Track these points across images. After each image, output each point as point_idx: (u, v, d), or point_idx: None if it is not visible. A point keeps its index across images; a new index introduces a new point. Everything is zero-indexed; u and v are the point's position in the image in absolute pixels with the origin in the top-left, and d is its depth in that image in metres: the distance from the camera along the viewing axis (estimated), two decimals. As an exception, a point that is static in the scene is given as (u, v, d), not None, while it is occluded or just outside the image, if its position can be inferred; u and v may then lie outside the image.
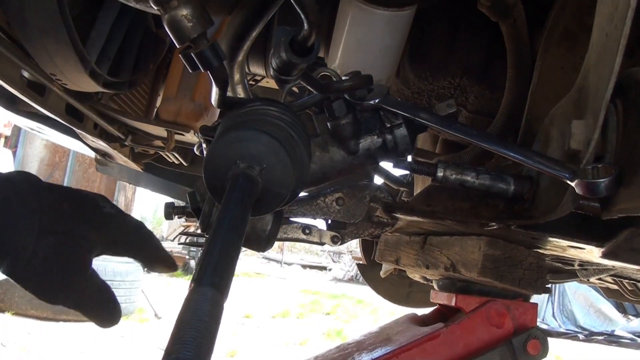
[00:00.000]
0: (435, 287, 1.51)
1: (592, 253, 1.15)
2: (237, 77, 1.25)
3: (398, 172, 2.13)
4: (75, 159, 14.62)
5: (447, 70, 1.52)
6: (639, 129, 0.85)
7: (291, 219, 1.32)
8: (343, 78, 1.06)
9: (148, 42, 1.87)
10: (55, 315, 6.80)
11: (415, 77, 1.54)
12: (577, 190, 0.84)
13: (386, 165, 1.56)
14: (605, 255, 1.10)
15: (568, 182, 0.84)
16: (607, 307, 11.51)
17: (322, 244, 1.32)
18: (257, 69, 1.75)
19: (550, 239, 1.10)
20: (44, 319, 6.72)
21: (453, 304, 1.36)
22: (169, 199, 2.65)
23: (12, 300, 6.77)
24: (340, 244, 1.33)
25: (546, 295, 11.74)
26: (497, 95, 1.50)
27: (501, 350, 1.28)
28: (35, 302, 6.73)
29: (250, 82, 2.25)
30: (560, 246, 1.18)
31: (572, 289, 11.71)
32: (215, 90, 0.83)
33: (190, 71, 0.78)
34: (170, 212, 1.29)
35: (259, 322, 8.83)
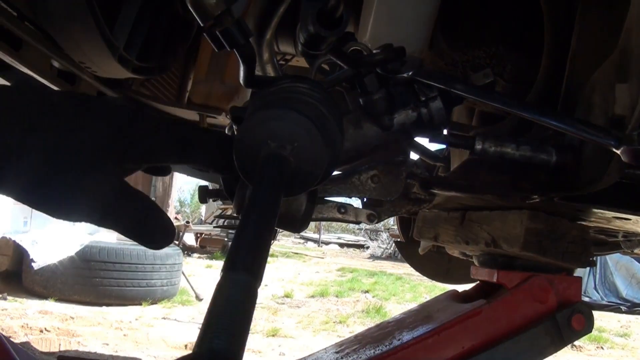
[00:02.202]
0: (476, 262, 1.48)
1: (638, 224, 1.11)
2: (266, 55, 1.22)
3: (434, 147, 2.09)
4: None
5: (481, 39, 1.47)
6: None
7: (326, 198, 1.30)
8: (374, 51, 1.03)
9: (176, 26, 1.86)
10: (98, 299, 6.94)
11: (448, 48, 1.50)
12: (624, 158, 0.80)
13: (422, 140, 1.53)
14: (653, 226, 1.07)
15: (614, 149, 0.80)
16: (650, 277, 11.33)
17: (358, 222, 1.30)
18: (286, 48, 1.72)
19: (595, 210, 1.06)
20: (86, 303, 6.84)
21: (495, 280, 1.33)
22: (206, 183, 2.66)
23: (54, 286, 6.91)
24: (377, 222, 1.30)
25: (588, 268, 11.58)
26: (535, 63, 1.45)
27: (545, 326, 1.25)
28: (78, 287, 6.90)
29: (281, 62, 2.22)
30: (605, 217, 1.13)
31: (614, 260, 11.51)
32: (243, 69, 0.81)
33: (217, 50, 0.76)
34: (205, 195, 1.28)
35: (299, 301, 8.88)
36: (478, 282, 1.50)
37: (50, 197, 0.68)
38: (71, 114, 0.70)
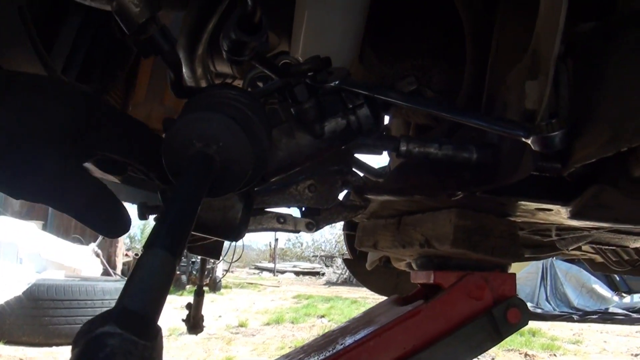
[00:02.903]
0: (415, 267, 1.53)
1: (560, 214, 1.17)
2: (199, 71, 1.26)
3: (377, 164, 2.14)
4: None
5: (408, 52, 1.53)
6: (588, 83, 0.87)
7: (266, 209, 1.33)
8: (302, 62, 1.07)
9: (114, 49, 1.88)
10: (47, 339, 6.73)
11: (378, 62, 1.56)
12: (534, 147, 0.85)
13: (365, 158, 1.57)
14: (574, 215, 1.13)
15: (523, 139, 0.86)
16: (599, 286, 11.64)
17: (297, 231, 1.33)
18: (223, 68, 1.76)
19: (518, 203, 1.12)
20: (36, 344, 6.64)
21: (432, 281, 1.37)
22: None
23: (2, 328, 6.69)
24: (316, 230, 1.33)
25: (538, 280, 11.85)
26: (460, 72, 1.52)
27: (482, 322, 1.29)
28: (26, 327, 6.68)
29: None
30: (528, 210, 1.19)
31: (563, 271, 11.82)
32: (170, 77, 0.84)
33: (144, 58, 0.79)
34: (144, 211, 1.29)
35: (254, 329, 8.81)
36: (418, 286, 1.55)
37: (3, 172, 0.68)
38: (33, 93, 0.71)
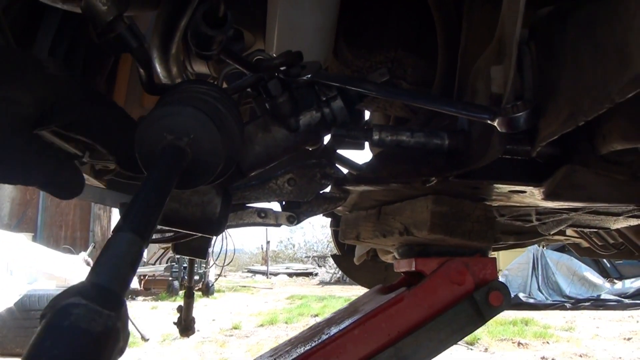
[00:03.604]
0: (397, 256, 1.55)
1: (535, 196, 1.19)
2: (174, 70, 1.27)
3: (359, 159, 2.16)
4: (46, 195, 14.51)
5: (381, 45, 1.55)
6: (549, 64, 0.89)
7: (247, 205, 1.34)
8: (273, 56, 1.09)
9: (92, 55, 1.88)
10: (42, 350, 6.71)
11: (352, 56, 1.58)
12: (500, 129, 0.88)
13: (347, 154, 1.59)
14: (547, 196, 1.15)
15: (489, 122, 0.88)
16: (590, 273, 11.72)
17: (278, 225, 1.35)
18: (201, 67, 1.77)
19: (490, 186, 1.15)
20: (30, 356, 6.61)
21: (413, 268, 1.39)
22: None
23: (-6, 341, 6.67)
24: (297, 223, 1.35)
25: (530, 270, 11.91)
26: (433, 63, 1.54)
27: (464, 306, 1.32)
28: (19, 339, 6.66)
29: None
30: (503, 193, 1.22)
31: (554, 260, 11.89)
32: (141, 74, 0.85)
33: (113, 55, 0.80)
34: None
35: (247, 331, 8.81)
36: (402, 275, 1.57)
37: None
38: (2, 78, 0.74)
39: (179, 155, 0.71)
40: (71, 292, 0.44)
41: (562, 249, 11.69)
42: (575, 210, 1.47)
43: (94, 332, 0.42)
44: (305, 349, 1.33)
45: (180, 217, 1.06)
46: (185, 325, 3.35)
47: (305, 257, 31.93)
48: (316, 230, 34.64)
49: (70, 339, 0.41)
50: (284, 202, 1.36)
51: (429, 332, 1.29)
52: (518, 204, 1.36)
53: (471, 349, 6.90)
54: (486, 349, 6.93)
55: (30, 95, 0.74)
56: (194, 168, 0.76)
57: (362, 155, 1.57)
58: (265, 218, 1.33)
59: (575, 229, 2.12)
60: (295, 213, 1.35)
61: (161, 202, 0.58)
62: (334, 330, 1.34)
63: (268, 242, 28.95)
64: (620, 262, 11.89)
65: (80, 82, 0.82)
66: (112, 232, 0.51)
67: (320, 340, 1.31)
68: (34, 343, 0.41)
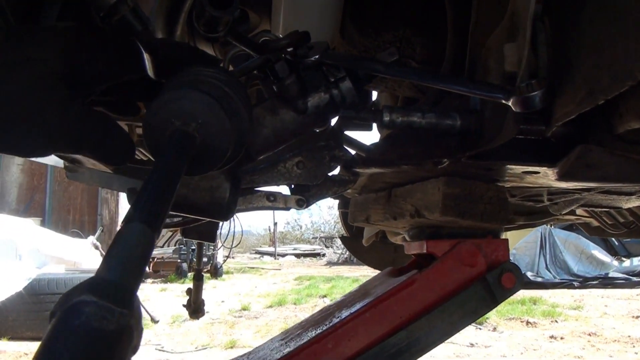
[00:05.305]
0: (407, 238, 1.54)
1: (548, 177, 1.17)
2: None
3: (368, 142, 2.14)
4: (54, 179, 14.55)
5: (388, 24, 1.53)
6: (565, 41, 0.87)
7: (255, 188, 1.33)
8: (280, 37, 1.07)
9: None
10: (52, 334, 6.76)
11: (359, 35, 1.55)
12: (515, 109, 0.85)
13: (356, 135, 1.57)
14: (561, 177, 1.13)
15: (504, 102, 0.86)
16: (598, 252, 11.70)
17: (287, 209, 1.33)
18: (206, 50, 1.75)
19: (503, 167, 1.13)
20: (40, 339, 6.62)
21: (425, 250, 1.38)
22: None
23: (5, 325, 6.71)
24: (306, 207, 1.34)
25: (537, 249, 11.90)
26: (443, 42, 1.52)
27: (476, 288, 1.30)
28: (30, 323, 6.71)
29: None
30: (516, 174, 1.20)
31: (562, 239, 11.87)
32: (146, 59, 0.83)
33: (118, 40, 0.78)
34: (133, 196, 1.29)
35: (256, 312, 8.85)
36: (412, 257, 1.56)
37: (8, 134, 0.68)
38: (17, 47, 0.71)
39: (187, 142, 0.69)
40: (81, 288, 0.42)
41: (570, 227, 11.65)
42: (588, 190, 1.45)
43: (106, 331, 0.41)
44: (317, 332, 1.32)
45: (189, 203, 1.05)
46: (195, 308, 3.36)
47: (313, 237, 31.98)
48: (323, 211, 34.71)
49: (81, 339, 0.40)
50: (292, 186, 1.34)
51: (441, 315, 1.27)
52: (530, 185, 1.34)
53: (480, 329, 6.91)
54: (495, 328, 6.95)
55: (52, 50, 0.72)
56: (203, 154, 0.74)
57: (366, 136, 1.55)
58: (274, 202, 1.32)
59: (586, 208, 2.10)
60: (304, 196, 1.33)
61: (171, 191, 0.56)
62: (345, 313, 1.33)
63: (275, 224, 29.06)
64: (629, 240, 11.86)
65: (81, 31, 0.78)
66: (122, 223, 0.49)
67: (331, 324, 1.30)
68: (45, 344, 0.40)
